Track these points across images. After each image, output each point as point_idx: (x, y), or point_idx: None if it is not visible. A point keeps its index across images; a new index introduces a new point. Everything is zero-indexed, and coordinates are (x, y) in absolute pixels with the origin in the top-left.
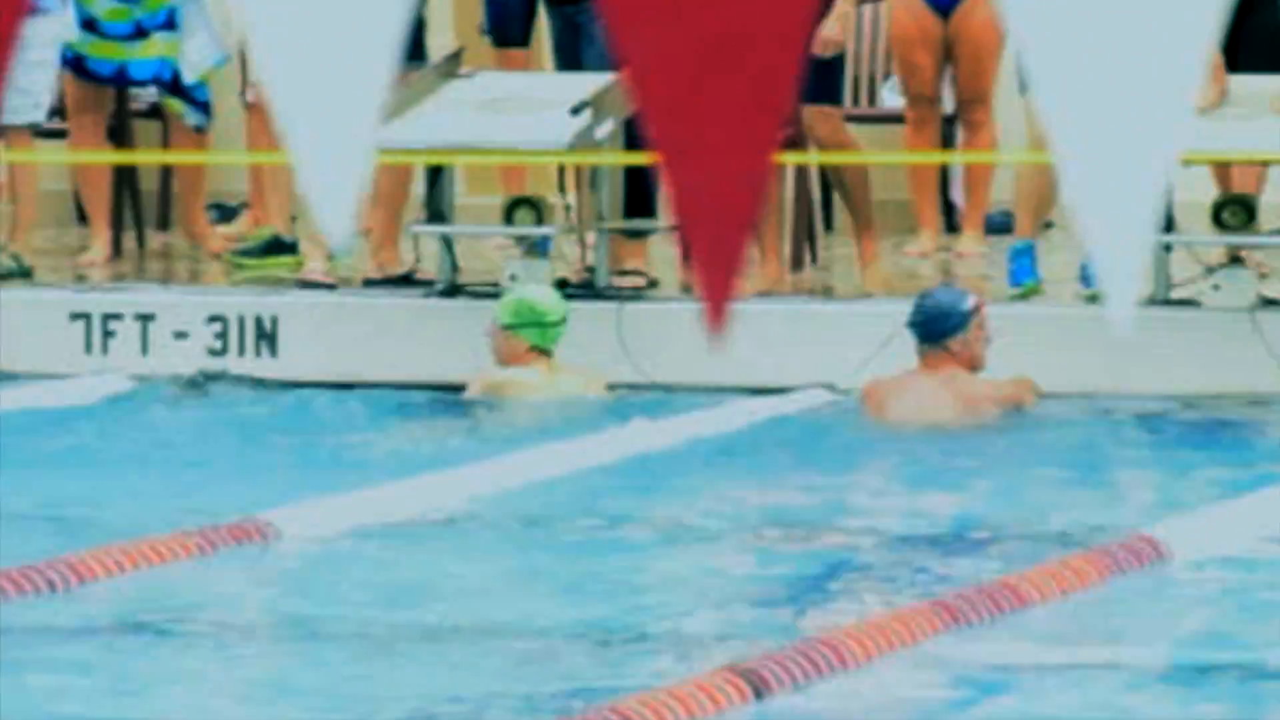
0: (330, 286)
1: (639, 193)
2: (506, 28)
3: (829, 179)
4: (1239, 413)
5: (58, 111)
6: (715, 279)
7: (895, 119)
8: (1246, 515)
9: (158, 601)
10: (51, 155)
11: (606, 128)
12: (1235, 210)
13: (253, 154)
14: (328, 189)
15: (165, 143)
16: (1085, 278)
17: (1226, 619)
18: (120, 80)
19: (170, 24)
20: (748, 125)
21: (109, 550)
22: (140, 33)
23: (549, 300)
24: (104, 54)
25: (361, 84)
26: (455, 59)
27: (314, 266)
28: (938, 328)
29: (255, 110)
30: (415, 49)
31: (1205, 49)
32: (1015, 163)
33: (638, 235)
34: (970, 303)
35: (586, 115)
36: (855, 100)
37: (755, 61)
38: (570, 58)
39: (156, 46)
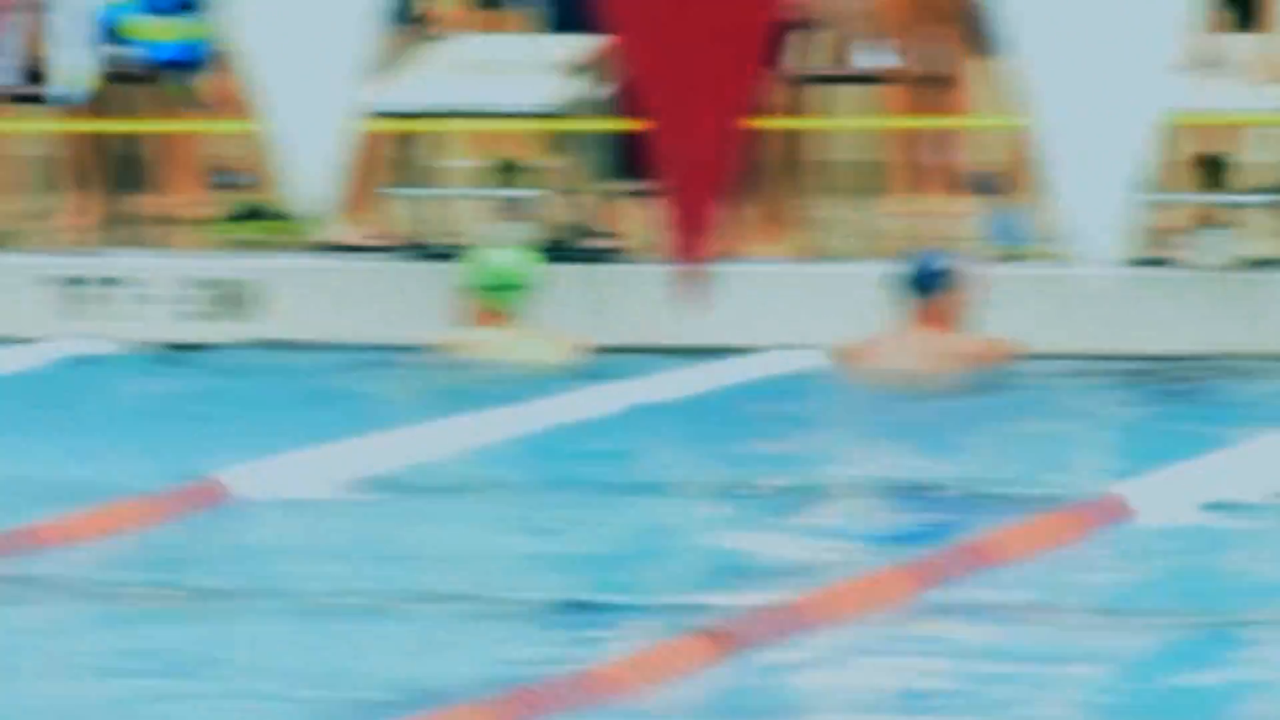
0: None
1: (627, 155)
2: None
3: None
4: (1215, 372)
5: (33, 76)
6: (688, 241)
7: (867, 79)
8: (1218, 473)
9: (119, 566)
10: (33, 121)
11: (605, 90)
12: (1213, 170)
13: (236, 121)
14: (304, 153)
15: (141, 107)
16: (1064, 237)
17: (1193, 576)
18: (146, 60)
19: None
20: (721, 92)
21: (73, 516)
22: (173, 8)
23: (515, 263)
24: (136, 33)
25: (340, 49)
26: (433, 22)
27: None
28: (919, 285)
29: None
30: (405, 13)
31: (1183, 9)
32: (999, 126)
33: (619, 198)
34: (954, 263)
35: (580, 78)
36: (830, 61)
37: (727, 29)
38: (571, 15)
39: (178, 27)
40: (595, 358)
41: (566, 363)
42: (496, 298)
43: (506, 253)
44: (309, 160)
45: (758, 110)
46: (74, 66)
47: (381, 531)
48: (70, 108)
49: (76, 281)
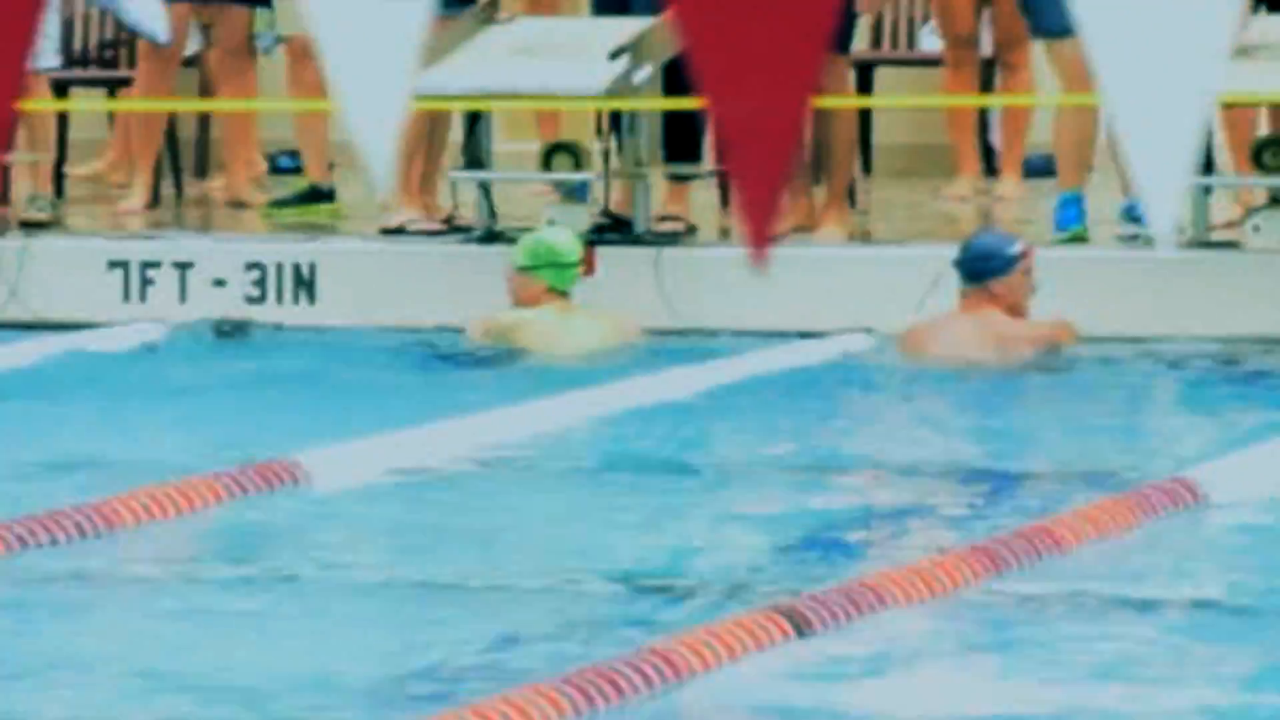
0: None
1: (682, 138)
2: None
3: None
4: (1278, 355)
5: (106, 60)
6: (758, 203)
7: (933, 62)
8: None
9: (187, 546)
10: (97, 101)
11: (644, 73)
12: (1276, 151)
13: (294, 101)
14: (370, 133)
15: (203, 91)
16: (1131, 218)
17: (1263, 562)
18: None
19: None
20: (787, 64)
21: (139, 494)
22: None
23: (566, 241)
24: None
25: (400, 30)
26: (492, 5)
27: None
28: (981, 269)
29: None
30: None
31: None
32: (1056, 111)
33: (679, 180)
34: (1017, 247)
35: (624, 60)
36: (894, 43)
37: (791, 5)
38: (617, 1)
39: None
40: (653, 340)
41: (624, 345)
42: (547, 276)
43: (558, 230)
44: (374, 142)
45: (821, 90)
46: (155, 13)
47: (455, 515)
48: (160, 53)
49: (142, 264)
